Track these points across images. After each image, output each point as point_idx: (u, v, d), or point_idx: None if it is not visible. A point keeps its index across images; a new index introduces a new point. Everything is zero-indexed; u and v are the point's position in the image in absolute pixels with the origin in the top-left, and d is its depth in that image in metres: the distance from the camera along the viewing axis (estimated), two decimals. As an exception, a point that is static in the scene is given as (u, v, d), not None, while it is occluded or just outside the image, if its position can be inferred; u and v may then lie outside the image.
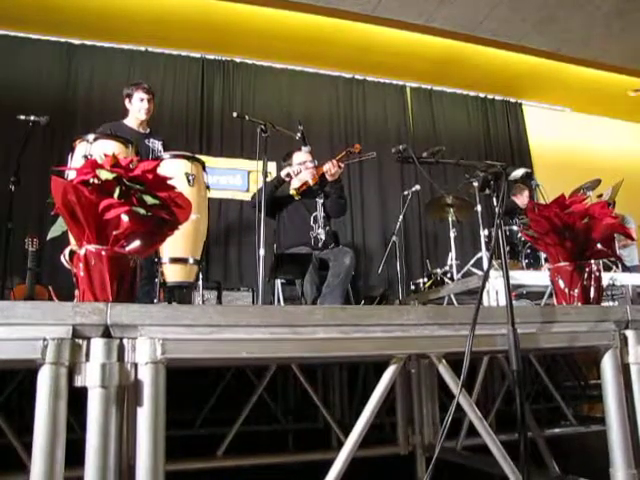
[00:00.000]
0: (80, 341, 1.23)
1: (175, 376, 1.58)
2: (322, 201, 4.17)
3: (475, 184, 4.33)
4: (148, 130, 3.91)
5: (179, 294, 3.15)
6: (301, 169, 4.06)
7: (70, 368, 1.21)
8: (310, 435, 3.59)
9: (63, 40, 5.99)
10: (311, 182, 4.06)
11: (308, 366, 3.41)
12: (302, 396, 3.94)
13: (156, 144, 3.80)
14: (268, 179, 3.73)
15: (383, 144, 6.66)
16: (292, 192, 4.12)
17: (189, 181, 2.90)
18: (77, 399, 1.27)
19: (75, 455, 1.28)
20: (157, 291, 2.95)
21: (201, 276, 3.14)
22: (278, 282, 3.96)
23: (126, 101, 3.87)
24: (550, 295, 3.70)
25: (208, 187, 3.11)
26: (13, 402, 3.45)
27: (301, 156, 4.13)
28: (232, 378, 3.80)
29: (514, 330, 1.52)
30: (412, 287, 5.28)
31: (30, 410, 1.19)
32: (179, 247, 2.85)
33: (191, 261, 2.90)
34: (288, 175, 4.04)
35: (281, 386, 4.12)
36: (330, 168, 3.90)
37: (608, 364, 1.74)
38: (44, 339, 1.18)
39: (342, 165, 3.96)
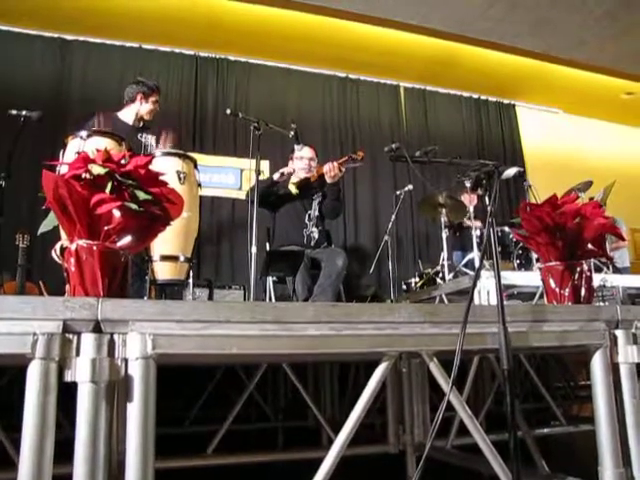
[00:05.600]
0: (70, 336, 1.22)
1: (166, 374, 1.58)
2: (319, 200, 4.17)
3: (467, 184, 4.34)
4: (141, 125, 3.89)
5: (170, 292, 3.14)
6: (294, 169, 4.08)
7: (60, 363, 1.20)
8: (300, 434, 3.59)
9: (56, 36, 5.96)
10: (310, 179, 4.06)
11: (299, 365, 3.40)
12: (292, 395, 3.94)
13: (149, 139, 3.77)
14: (261, 177, 3.73)
15: (376, 144, 6.68)
16: (290, 186, 4.11)
17: (180, 179, 2.88)
18: (66, 396, 1.26)
19: (64, 452, 1.27)
20: (147, 288, 2.94)
21: (192, 274, 3.13)
22: (270, 280, 3.96)
23: (139, 97, 3.82)
24: (541, 296, 3.71)
25: (200, 185, 3.10)
26: (2, 399, 3.42)
27: (303, 152, 4.14)
28: (223, 376, 3.80)
29: (505, 328, 1.52)
30: (404, 287, 5.28)
31: (19, 407, 1.18)
32: (170, 245, 2.83)
33: (182, 259, 2.89)
34: (282, 175, 4.04)
35: (271, 385, 4.11)
36: (330, 169, 3.89)
37: (598, 363, 1.75)
38: (34, 334, 1.18)
39: (343, 169, 3.96)
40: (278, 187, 4.10)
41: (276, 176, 4.05)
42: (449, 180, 5.11)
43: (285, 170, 4.06)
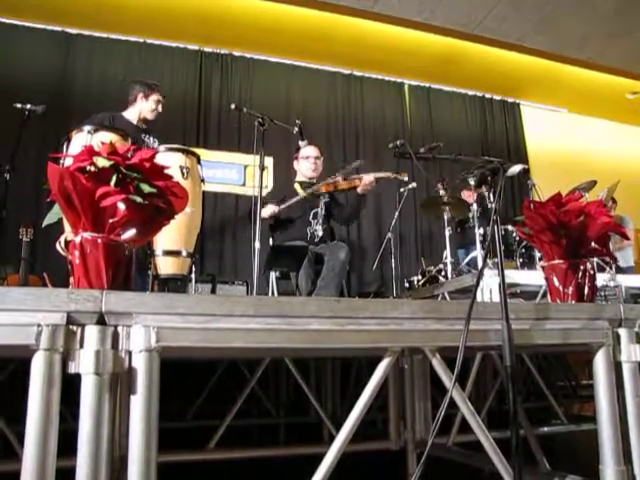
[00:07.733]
0: (74, 328, 1.23)
1: (168, 368, 1.58)
2: (325, 200, 4.15)
3: (472, 182, 4.33)
4: (144, 126, 3.90)
5: (172, 286, 3.14)
6: (274, 211, 3.96)
7: (64, 355, 1.20)
8: (302, 429, 3.60)
9: (60, 29, 5.96)
10: (323, 190, 4.02)
11: (301, 360, 3.41)
12: (295, 390, 3.94)
13: (152, 141, 3.79)
14: (265, 174, 3.69)
15: (380, 141, 6.67)
16: (306, 194, 4.04)
17: (183, 174, 2.88)
18: (70, 389, 1.26)
19: (67, 445, 1.27)
20: (149, 283, 2.94)
21: (194, 269, 3.13)
22: (273, 275, 3.96)
23: (139, 96, 3.83)
24: (543, 295, 3.71)
25: (203, 180, 3.10)
26: (5, 392, 3.43)
27: (308, 150, 4.14)
28: (225, 371, 3.80)
29: (508, 325, 1.52)
30: (406, 284, 5.27)
31: (22, 399, 1.18)
32: (172, 240, 2.83)
33: (184, 254, 2.89)
34: (271, 216, 3.97)
35: (273, 380, 4.12)
36: (370, 182, 3.89)
37: (600, 362, 1.75)
38: (38, 325, 1.18)
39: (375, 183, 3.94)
40: (279, 214, 4.02)
41: (266, 213, 3.90)
42: (453, 178, 5.09)
43: (275, 209, 3.96)
